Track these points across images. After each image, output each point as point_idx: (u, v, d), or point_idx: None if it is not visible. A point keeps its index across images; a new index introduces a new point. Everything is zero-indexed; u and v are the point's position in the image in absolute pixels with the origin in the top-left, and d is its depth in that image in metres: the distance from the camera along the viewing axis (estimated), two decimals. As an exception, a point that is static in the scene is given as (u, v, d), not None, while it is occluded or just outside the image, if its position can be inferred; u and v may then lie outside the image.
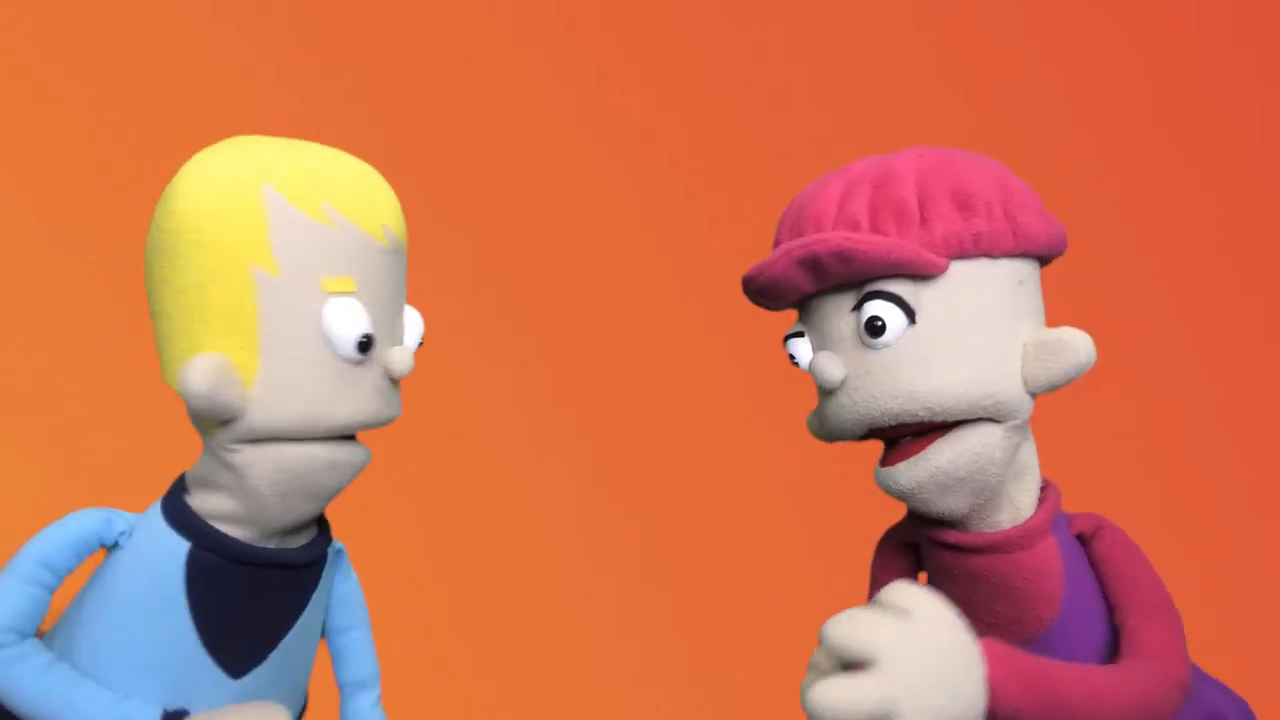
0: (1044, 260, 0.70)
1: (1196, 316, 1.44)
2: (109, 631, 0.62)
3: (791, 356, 0.71)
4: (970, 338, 0.65)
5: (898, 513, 0.79)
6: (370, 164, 0.66)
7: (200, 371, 0.56)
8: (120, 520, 0.62)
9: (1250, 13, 1.48)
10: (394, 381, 0.64)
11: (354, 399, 0.61)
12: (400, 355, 0.62)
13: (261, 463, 0.60)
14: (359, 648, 0.72)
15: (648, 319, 1.38)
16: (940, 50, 1.46)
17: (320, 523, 0.68)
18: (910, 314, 0.65)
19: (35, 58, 1.25)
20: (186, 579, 0.61)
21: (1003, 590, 0.68)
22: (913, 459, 0.66)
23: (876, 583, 0.78)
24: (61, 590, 0.63)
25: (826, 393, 0.69)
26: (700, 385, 1.37)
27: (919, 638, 0.55)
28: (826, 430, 0.71)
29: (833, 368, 0.66)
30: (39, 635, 0.63)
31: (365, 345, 0.60)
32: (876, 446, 0.71)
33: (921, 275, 0.64)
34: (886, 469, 0.68)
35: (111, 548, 0.62)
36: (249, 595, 0.62)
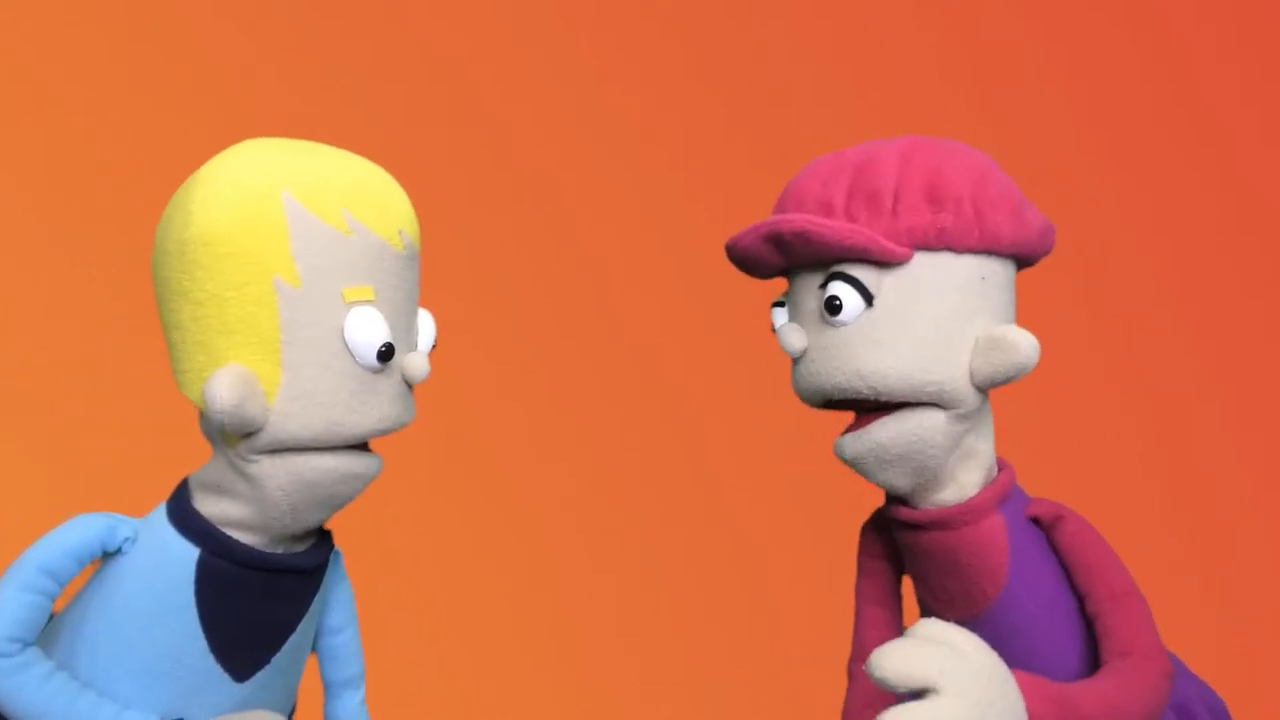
0: (1023, 260, 0.72)
1: (1195, 315, 1.44)
2: (113, 638, 0.61)
3: (772, 324, 0.75)
4: (922, 326, 0.67)
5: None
6: (374, 162, 0.66)
7: (226, 386, 0.56)
8: (124, 527, 0.62)
9: (1250, 13, 1.48)
10: (410, 386, 0.64)
11: (374, 407, 0.61)
12: (417, 361, 0.62)
13: (278, 474, 0.60)
14: (349, 647, 0.72)
15: (648, 319, 1.38)
16: (940, 50, 1.47)
17: (321, 527, 0.68)
18: (868, 297, 0.67)
19: (36, 59, 1.25)
20: (196, 586, 0.61)
21: (949, 565, 0.71)
22: (857, 432, 0.70)
23: (861, 565, 0.81)
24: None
25: (793, 362, 0.73)
26: (701, 387, 1.37)
27: (971, 665, 0.58)
28: (797, 392, 0.75)
29: (794, 339, 0.70)
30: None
31: (386, 354, 0.60)
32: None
33: (883, 262, 0.67)
34: (838, 440, 0.72)
35: (114, 554, 0.62)
36: (257, 600, 0.63)
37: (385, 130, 1.32)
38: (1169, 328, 1.42)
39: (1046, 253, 0.73)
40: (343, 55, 1.34)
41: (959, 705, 0.56)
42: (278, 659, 0.65)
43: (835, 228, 0.66)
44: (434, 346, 0.66)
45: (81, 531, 0.61)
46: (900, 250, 0.67)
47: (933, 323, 0.67)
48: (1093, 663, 0.70)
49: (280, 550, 0.63)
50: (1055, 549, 0.72)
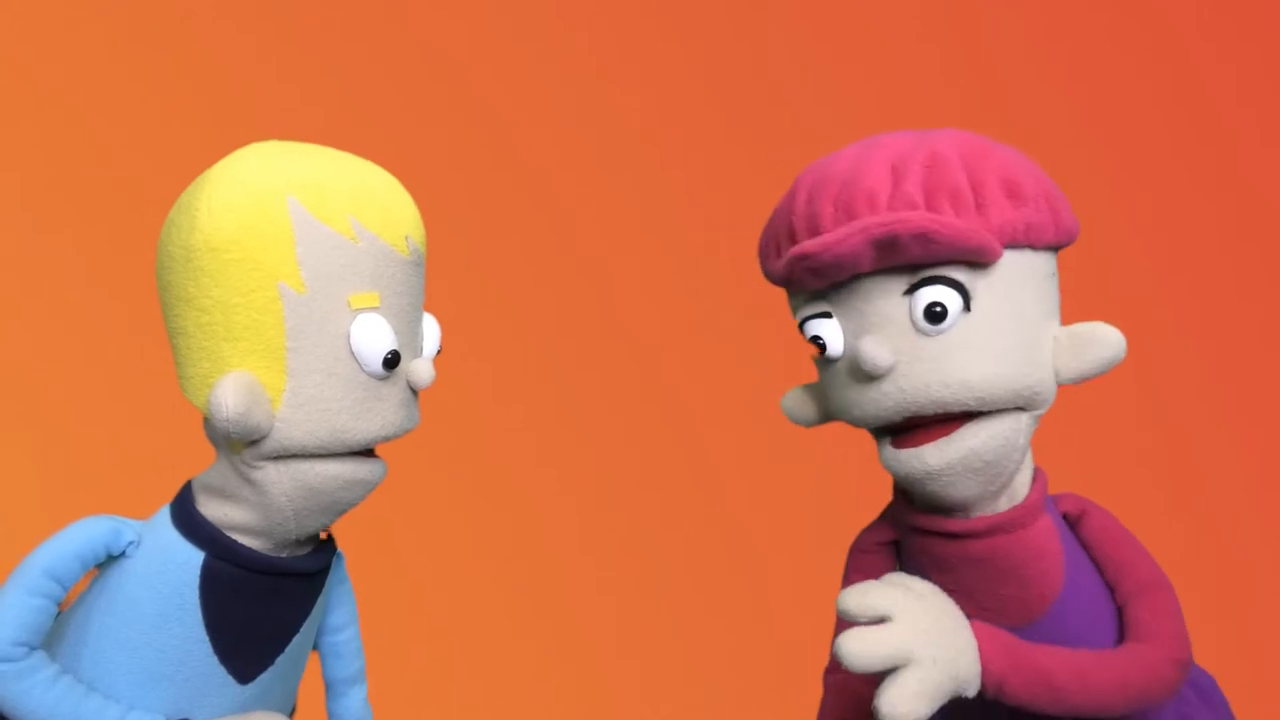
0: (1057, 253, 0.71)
1: (1194, 312, 1.44)
2: (117, 641, 0.61)
3: (816, 339, 0.68)
4: (1016, 327, 0.65)
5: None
6: (380, 166, 0.65)
7: (232, 394, 0.56)
8: (128, 530, 0.62)
9: (1250, 13, 1.48)
10: (415, 393, 0.64)
11: (379, 414, 0.61)
12: (423, 368, 0.62)
13: (282, 480, 0.60)
14: (351, 645, 0.72)
15: (652, 323, 1.38)
16: (940, 50, 1.46)
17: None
18: (968, 301, 0.63)
19: (36, 60, 1.25)
20: (201, 589, 0.61)
21: (1006, 572, 0.68)
22: (942, 440, 0.65)
23: (850, 584, 0.77)
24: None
25: (862, 380, 0.66)
26: (704, 390, 1.37)
27: (926, 602, 0.62)
28: (841, 416, 0.70)
29: (884, 353, 0.63)
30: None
31: (392, 362, 0.60)
32: (865, 436, 0.71)
33: (978, 263, 0.63)
34: (910, 450, 0.66)
35: (118, 556, 0.62)
36: (262, 603, 0.63)
37: (388, 130, 1.32)
38: (1170, 327, 1.42)
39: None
40: (347, 56, 1.34)
41: (911, 631, 0.60)
42: (281, 660, 0.65)
43: (959, 227, 0.62)
44: (439, 352, 0.66)
45: (86, 535, 0.61)
46: (999, 248, 0.63)
47: (1025, 323, 0.65)
48: None
49: (284, 554, 0.63)
50: (1082, 544, 0.71)
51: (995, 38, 1.48)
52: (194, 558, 0.61)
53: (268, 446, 0.59)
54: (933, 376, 0.63)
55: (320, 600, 0.67)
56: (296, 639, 0.65)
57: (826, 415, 0.73)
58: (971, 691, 0.61)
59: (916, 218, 0.62)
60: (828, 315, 0.67)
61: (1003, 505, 0.68)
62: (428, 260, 0.67)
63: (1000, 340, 0.64)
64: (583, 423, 1.36)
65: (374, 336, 0.59)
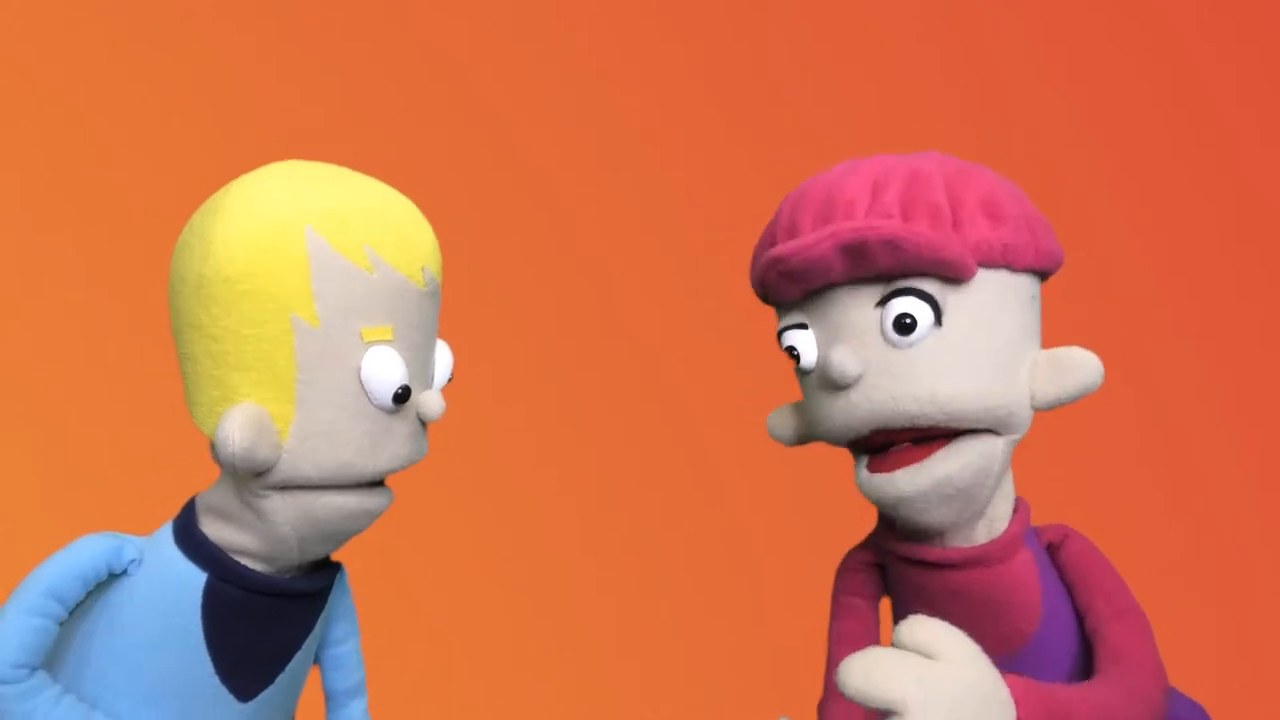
0: (1043, 280, 0.70)
1: (1192, 322, 1.44)
2: (119, 659, 0.61)
3: (791, 349, 0.68)
4: (991, 347, 0.64)
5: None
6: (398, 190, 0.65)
7: (238, 429, 0.55)
8: (129, 548, 0.61)
9: (1250, 13, 1.47)
10: (424, 424, 0.64)
11: (387, 448, 0.60)
12: (433, 401, 0.61)
13: (287, 509, 0.59)
14: (351, 658, 0.72)
15: (650, 322, 1.38)
16: (940, 51, 1.46)
17: None
18: (939, 315, 0.63)
19: (36, 60, 1.24)
20: (203, 610, 0.61)
21: (983, 605, 0.67)
22: (915, 466, 0.65)
23: (840, 605, 0.77)
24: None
25: (833, 390, 0.66)
26: (703, 389, 1.37)
27: (947, 683, 0.54)
28: (818, 431, 0.69)
29: (852, 363, 0.64)
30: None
31: (402, 397, 0.59)
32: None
33: (951, 278, 0.63)
34: (883, 475, 0.66)
35: (119, 574, 0.62)
36: (264, 624, 0.62)
37: (388, 131, 1.32)
38: (1165, 336, 1.42)
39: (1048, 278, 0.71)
40: (347, 56, 1.33)
41: None
42: (281, 678, 0.65)
43: (930, 237, 0.62)
44: (450, 380, 0.65)
45: (87, 554, 0.60)
46: (974, 266, 0.63)
47: (1000, 343, 0.64)
48: None
49: (287, 576, 0.63)
50: (1057, 568, 0.70)
51: (995, 38, 1.47)
52: (196, 578, 0.61)
53: (274, 477, 0.58)
54: (900, 389, 0.63)
55: (322, 617, 0.67)
56: (298, 657, 0.65)
57: (806, 433, 0.73)
58: None
59: (886, 225, 0.62)
60: (804, 326, 0.68)
61: (980, 535, 0.67)
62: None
63: (971, 357, 0.64)
64: (583, 423, 1.36)
65: (385, 370, 0.59)
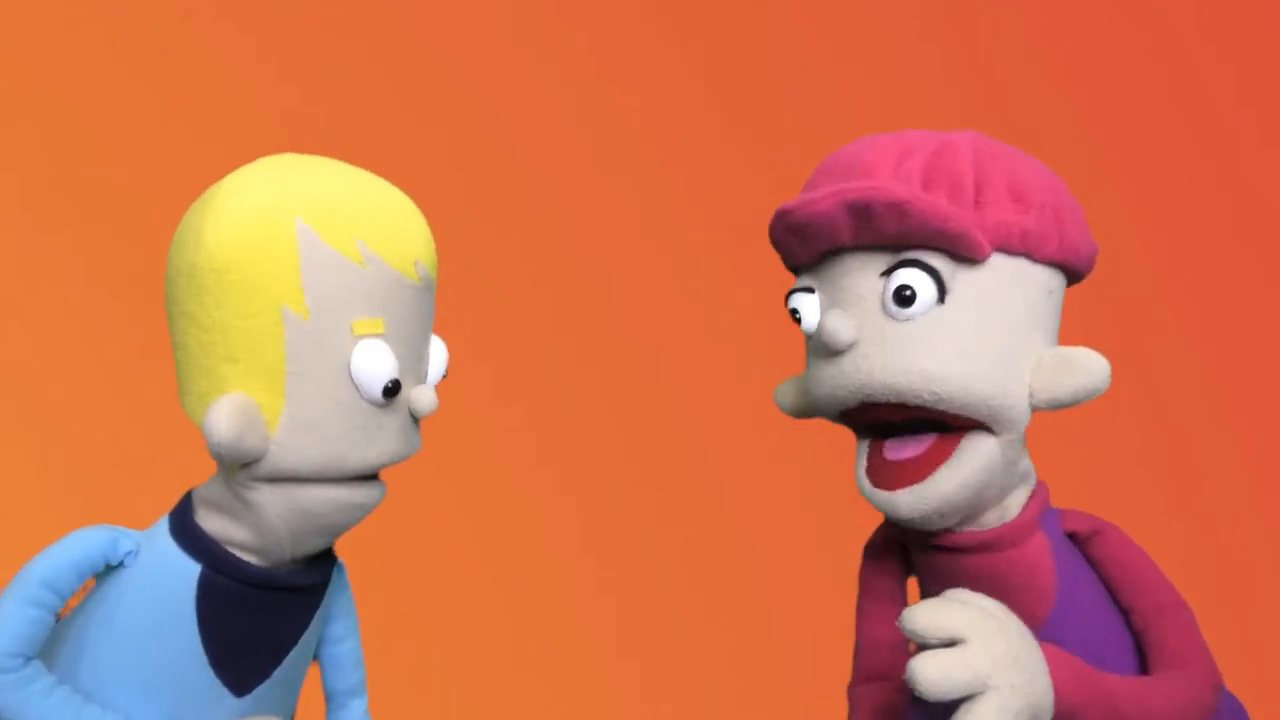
0: (1073, 278, 0.68)
1: (1188, 322, 1.44)
2: (114, 651, 0.61)
3: (794, 312, 0.67)
4: (995, 333, 0.62)
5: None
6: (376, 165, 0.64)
7: (225, 419, 0.55)
8: (125, 540, 0.61)
9: (1250, 13, 1.48)
10: (416, 419, 0.63)
11: (377, 441, 0.60)
12: (424, 396, 0.61)
13: (276, 502, 0.59)
14: (351, 657, 0.72)
15: (650, 321, 1.38)
16: (940, 50, 1.46)
17: None
18: (942, 292, 0.62)
19: (36, 60, 1.25)
20: (197, 601, 0.61)
21: (996, 589, 0.66)
22: (915, 487, 0.64)
23: (867, 588, 0.76)
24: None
25: (827, 356, 0.65)
26: (703, 388, 1.37)
27: (999, 622, 0.57)
28: (809, 399, 0.69)
29: (845, 327, 0.62)
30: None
31: (392, 390, 0.59)
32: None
33: (962, 256, 0.61)
34: (884, 494, 0.65)
35: (115, 566, 0.62)
36: (259, 616, 0.62)
37: (387, 131, 1.32)
38: (1165, 336, 1.42)
39: (1087, 275, 0.69)
40: (347, 56, 1.34)
41: (988, 654, 0.56)
42: (278, 673, 0.65)
43: (938, 206, 0.60)
44: (444, 376, 0.65)
45: (83, 545, 0.60)
46: (987, 246, 0.61)
47: (1004, 332, 0.62)
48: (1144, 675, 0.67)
49: (283, 569, 0.63)
50: (1093, 562, 0.69)
51: (995, 38, 1.47)
52: (191, 570, 0.61)
53: (262, 469, 0.58)
54: (892, 360, 0.62)
55: (319, 613, 0.67)
56: (294, 652, 0.65)
57: (803, 402, 0.72)
58: (1046, 718, 0.58)
59: (894, 187, 0.60)
60: (810, 290, 0.66)
61: (992, 521, 0.66)
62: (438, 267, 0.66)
63: (970, 340, 0.62)
64: (583, 423, 1.36)
65: (375, 363, 0.58)
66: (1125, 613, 0.68)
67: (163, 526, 0.63)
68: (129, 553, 0.61)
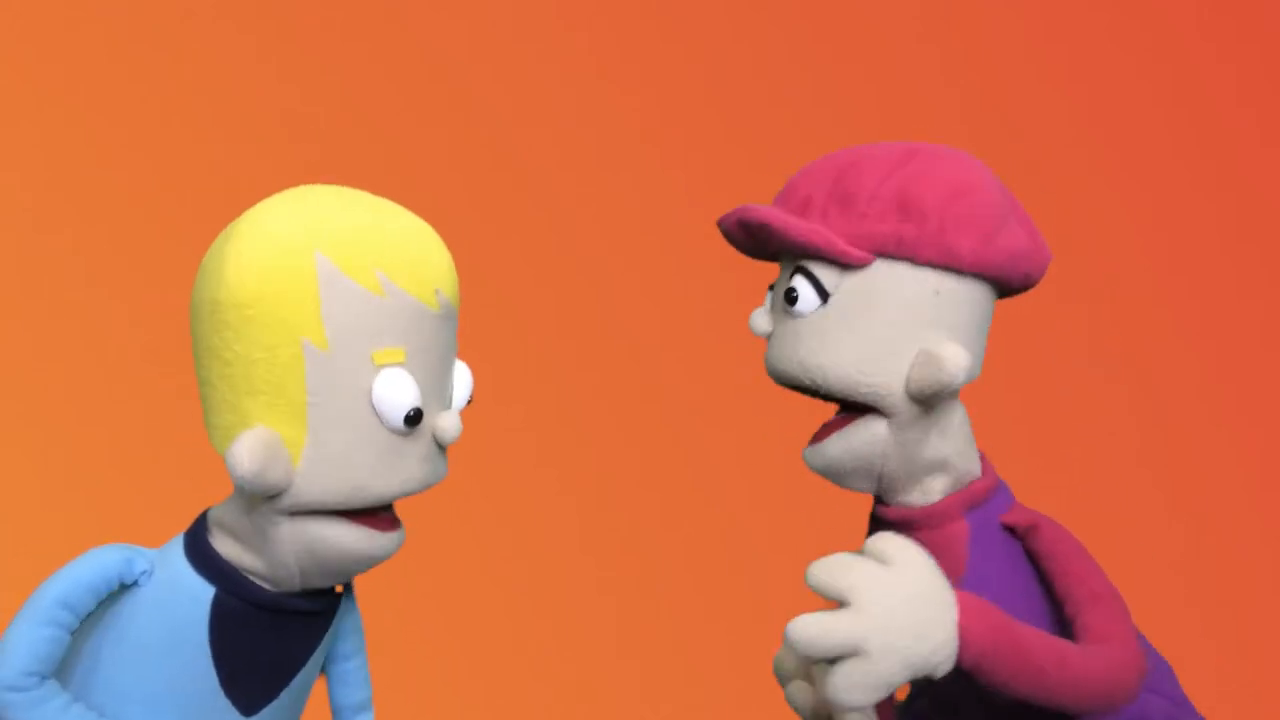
0: (995, 283, 0.72)
1: (1187, 322, 1.45)
2: (126, 669, 0.62)
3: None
4: (868, 329, 0.69)
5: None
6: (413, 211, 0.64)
7: (248, 453, 0.56)
8: (140, 559, 0.62)
9: (1250, 13, 1.48)
10: (442, 446, 0.63)
11: (400, 471, 0.60)
12: (449, 423, 0.61)
13: (295, 541, 0.60)
14: (358, 673, 0.72)
15: (650, 321, 1.38)
16: (940, 50, 1.46)
17: None
18: (823, 294, 0.70)
19: (36, 60, 1.24)
20: (210, 623, 0.61)
21: None
22: (814, 447, 0.74)
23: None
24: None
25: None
26: (703, 387, 1.37)
27: (893, 582, 0.59)
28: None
29: (759, 321, 0.74)
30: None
31: (413, 419, 0.59)
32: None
33: (843, 263, 0.69)
34: (804, 449, 0.75)
35: (130, 586, 0.62)
36: (269, 639, 0.63)
37: (387, 131, 1.32)
38: (1164, 336, 1.43)
39: (1024, 276, 0.72)
40: (347, 56, 1.33)
41: (866, 618, 0.58)
42: (285, 694, 0.66)
43: (793, 224, 0.69)
44: (470, 401, 0.65)
45: (99, 565, 0.61)
46: (858, 254, 0.68)
47: (879, 327, 0.69)
48: None
49: (294, 594, 0.63)
50: (1032, 556, 0.73)
51: (995, 38, 1.48)
52: (205, 591, 0.61)
53: (285, 501, 0.58)
54: (785, 353, 0.72)
55: (328, 634, 0.67)
56: (302, 673, 0.66)
57: None
58: (941, 673, 0.60)
59: (761, 210, 0.70)
60: (772, 289, 0.76)
61: (916, 500, 0.73)
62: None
63: (847, 337, 0.70)
64: (583, 423, 1.36)
65: (396, 393, 0.59)
66: (1059, 602, 0.71)
67: (177, 546, 0.63)
68: (144, 572, 0.62)
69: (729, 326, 1.34)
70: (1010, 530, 0.73)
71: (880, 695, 0.59)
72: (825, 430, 0.74)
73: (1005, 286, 0.73)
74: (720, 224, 0.75)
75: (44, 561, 0.63)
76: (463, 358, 0.66)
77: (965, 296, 0.70)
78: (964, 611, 0.60)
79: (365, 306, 0.58)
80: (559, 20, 1.40)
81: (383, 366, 0.59)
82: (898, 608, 0.58)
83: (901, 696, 0.83)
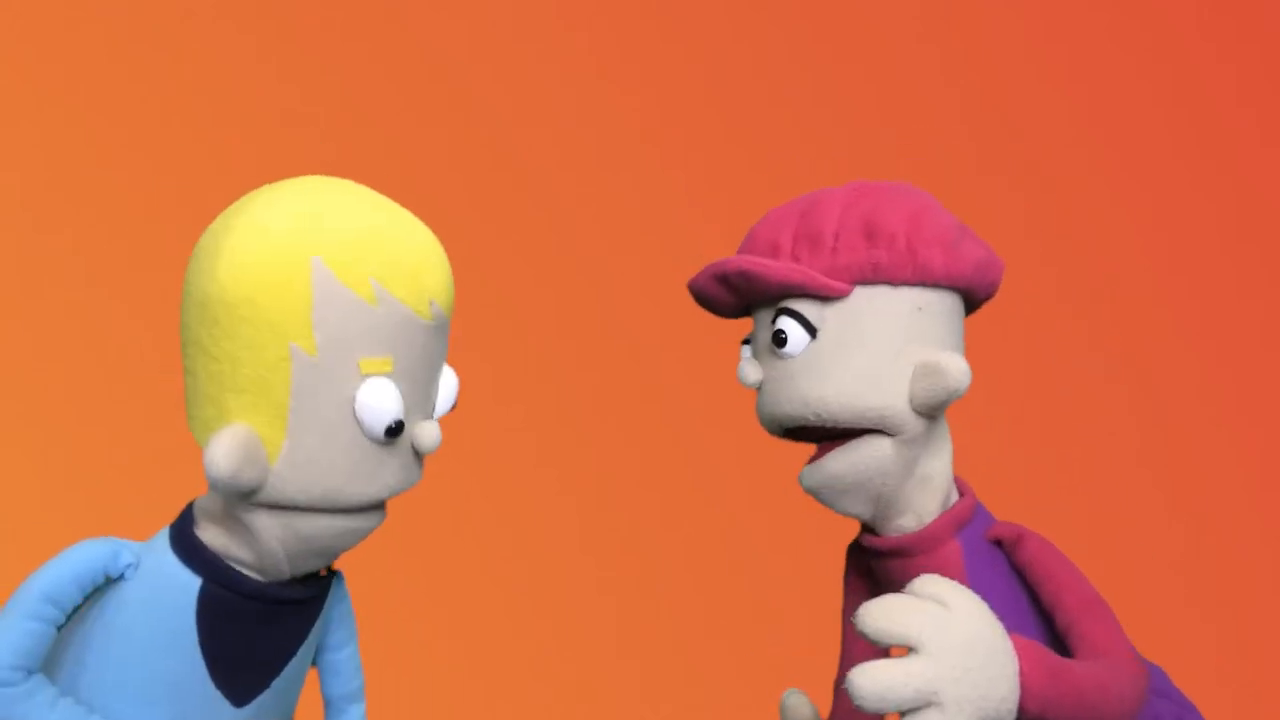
0: (964, 292, 0.74)
1: (1188, 322, 1.44)
2: (114, 663, 0.61)
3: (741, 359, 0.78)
4: (861, 354, 0.70)
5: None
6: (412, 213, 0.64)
7: (223, 454, 0.55)
8: (126, 552, 0.62)
9: (1250, 13, 1.47)
10: (420, 455, 0.63)
11: (377, 478, 0.60)
12: (428, 433, 0.61)
13: (275, 527, 0.60)
14: (350, 664, 0.72)
15: (650, 321, 1.38)
16: (940, 50, 1.46)
17: None
18: (811, 330, 0.71)
19: (36, 60, 1.24)
20: (198, 614, 0.61)
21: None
22: (813, 464, 0.73)
23: (850, 586, 0.82)
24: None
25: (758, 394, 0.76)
26: (703, 388, 1.37)
27: (959, 627, 0.57)
28: (761, 424, 0.78)
29: (749, 372, 0.74)
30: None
31: (394, 431, 0.59)
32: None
33: (825, 296, 0.71)
34: (800, 471, 0.75)
35: (116, 579, 0.62)
36: (258, 629, 0.63)
37: (387, 131, 1.32)
38: (1165, 336, 1.42)
39: (989, 284, 0.75)
40: (347, 56, 1.34)
41: (934, 665, 0.55)
42: (276, 683, 0.65)
43: (772, 266, 0.71)
44: (453, 407, 0.65)
45: (85, 558, 0.61)
46: (838, 285, 0.70)
47: (872, 351, 0.70)
48: None
49: (282, 583, 0.63)
50: (1018, 568, 0.73)
51: (995, 37, 1.47)
52: (191, 583, 0.61)
53: (260, 498, 0.58)
54: (782, 394, 0.72)
55: (318, 623, 0.67)
56: (293, 663, 0.66)
57: None
58: None
59: (738, 259, 0.72)
60: (748, 342, 0.77)
61: (910, 525, 0.73)
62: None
63: (843, 365, 0.70)
64: (583, 423, 1.36)
65: (379, 403, 0.58)
66: (1049, 613, 0.71)
67: (164, 538, 0.63)
68: (129, 565, 0.62)
69: (729, 328, 1.34)
70: (996, 543, 0.74)
71: None
72: (825, 448, 0.73)
73: (972, 297, 0.75)
74: (691, 285, 0.76)
75: (29, 556, 0.63)
76: (462, 358, 0.66)
77: (943, 308, 0.72)
78: (1024, 660, 0.59)
79: (357, 315, 0.58)
80: (559, 20, 1.40)
81: (368, 375, 0.58)
82: (966, 655, 0.56)
83: None
